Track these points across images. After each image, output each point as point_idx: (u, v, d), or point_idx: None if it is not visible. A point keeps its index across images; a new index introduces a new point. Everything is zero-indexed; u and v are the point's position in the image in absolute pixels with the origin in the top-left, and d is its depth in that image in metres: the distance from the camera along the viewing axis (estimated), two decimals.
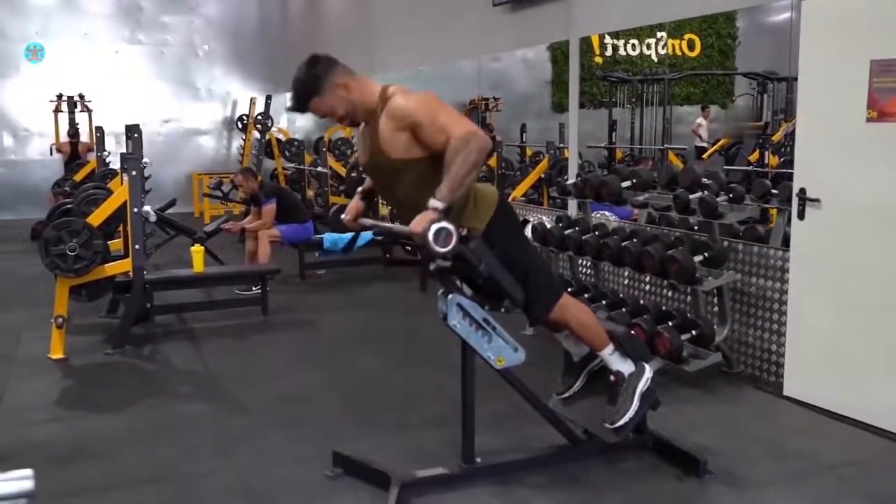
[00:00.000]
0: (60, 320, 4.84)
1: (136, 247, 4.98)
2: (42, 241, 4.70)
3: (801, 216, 3.96)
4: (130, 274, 5.06)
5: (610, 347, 3.16)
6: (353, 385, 4.45)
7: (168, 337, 5.47)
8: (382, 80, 2.99)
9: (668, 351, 4.17)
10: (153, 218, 5.11)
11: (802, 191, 3.93)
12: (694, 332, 4.27)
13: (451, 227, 2.62)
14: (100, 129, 9.26)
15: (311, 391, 4.35)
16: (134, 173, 4.93)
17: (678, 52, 14.44)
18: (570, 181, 5.58)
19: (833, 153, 3.83)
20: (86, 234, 4.73)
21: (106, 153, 9.07)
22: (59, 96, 11.54)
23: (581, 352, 3.36)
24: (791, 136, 10.09)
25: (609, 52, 14.07)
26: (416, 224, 2.63)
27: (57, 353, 4.89)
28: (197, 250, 5.67)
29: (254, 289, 6.30)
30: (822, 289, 3.91)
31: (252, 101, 12.99)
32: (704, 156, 11.52)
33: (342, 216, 3.34)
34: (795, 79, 10.95)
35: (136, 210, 4.92)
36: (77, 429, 3.84)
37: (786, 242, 4.58)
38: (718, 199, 4.32)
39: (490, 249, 2.86)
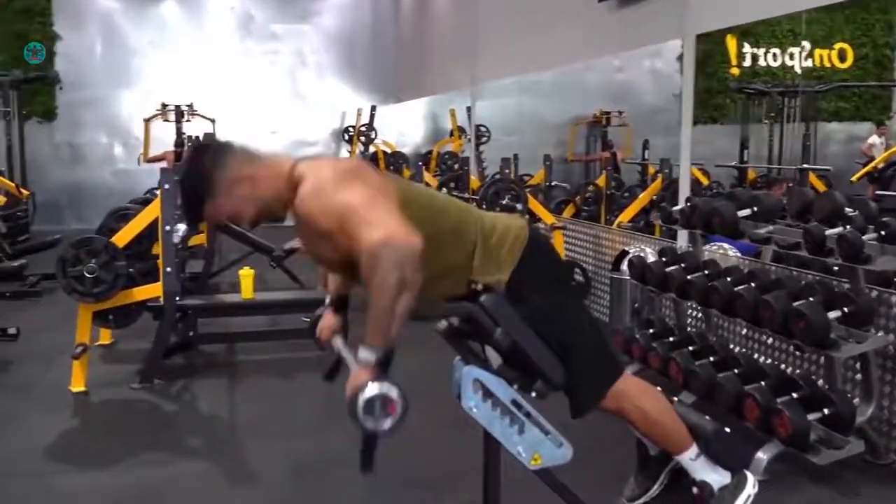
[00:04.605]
0: (80, 350, 4.32)
1: (168, 269, 4.41)
2: (59, 260, 4.20)
3: None
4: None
5: (692, 450, 2.24)
6: (389, 450, 3.63)
7: (208, 371, 4.87)
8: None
9: (788, 434, 3.15)
10: (177, 239, 4.52)
11: None
12: (826, 411, 3.23)
13: (389, 390, 1.88)
14: (192, 139, 9.04)
15: (338, 456, 3.54)
16: (167, 186, 4.37)
17: (826, 64, 12.91)
18: (678, 206, 4.62)
19: None
20: (106, 254, 4.20)
21: None
22: (164, 106, 11.43)
23: None
24: None
25: (748, 63, 12.79)
26: (349, 387, 1.93)
27: (78, 385, 4.37)
28: (245, 274, 5.06)
29: None
30: None
31: (359, 112, 12.55)
32: (854, 177, 10.09)
33: (316, 335, 2.59)
34: None
35: (167, 228, 4.37)
36: (47, 491, 3.24)
37: None
38: (865, 237, 3.27)
39: (515, 307, 2.03)
